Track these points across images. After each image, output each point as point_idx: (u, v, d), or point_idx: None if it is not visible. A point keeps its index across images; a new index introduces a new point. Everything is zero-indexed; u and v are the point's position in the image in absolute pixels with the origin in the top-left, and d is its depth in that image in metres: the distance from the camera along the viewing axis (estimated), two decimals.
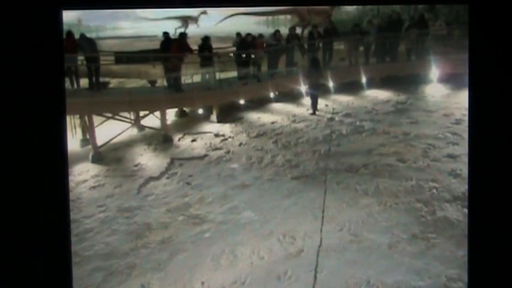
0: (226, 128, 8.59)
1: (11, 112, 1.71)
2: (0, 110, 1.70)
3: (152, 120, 8.66)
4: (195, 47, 9.14)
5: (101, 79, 8.93)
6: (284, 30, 10.53)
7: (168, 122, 8.80)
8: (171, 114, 9.24)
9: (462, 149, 6.83)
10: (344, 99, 9.57)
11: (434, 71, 9.74)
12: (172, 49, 8.83)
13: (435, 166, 6.57)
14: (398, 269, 4.51)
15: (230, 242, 5.19)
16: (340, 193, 6.04)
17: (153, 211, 6.06)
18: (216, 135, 8.33)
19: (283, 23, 13.16)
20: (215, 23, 12.58)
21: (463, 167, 6.24)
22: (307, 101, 9.28)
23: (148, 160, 7.57)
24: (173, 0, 1.93)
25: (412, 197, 5.81)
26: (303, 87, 9.40)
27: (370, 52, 10.38)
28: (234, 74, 9.67)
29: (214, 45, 9.41)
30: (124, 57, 10.26)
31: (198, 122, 8.93)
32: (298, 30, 11.21)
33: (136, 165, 7.40)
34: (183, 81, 9.05)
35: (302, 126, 8.43)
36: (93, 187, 6.80)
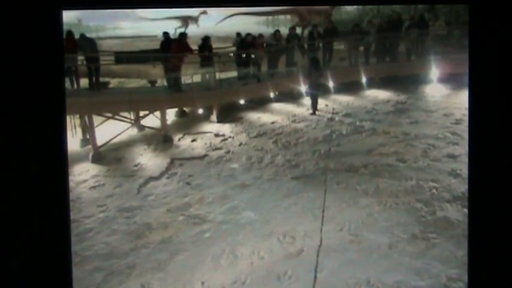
0: (226, 128, 8.59)
1: (11, 112, 1.71)
2: (0, 110, 1.70)
3: (152, 120, 8.66)
4: (195, 47, 9.15)
5: (101, 79, 8.93)
6: (284, 30, 10.53)
7: (168, 122, 8.80)
8: (171, 114, 9.24)
9: (462, 149, 6.83)
10: (344, 99, 9.57)
11: (434, 71, 9.75)
12: (172, 49, 8.84)
13: (435, 166, 6.57)
14: (398, 269, 4.51)
15: (230, 242, 5.19)
16: (340, 193, 6.04)
17: (153, 211, 6.06)
18: (216, 135, 8.33)
19: (283, 23, 13.17)
20: (215, 23, 12.59)
21: (463, 167, 6.24)
22: (307, 101, 9.28)
23: (148, 160, 7.56)
24: (173, 0, 1.93)
25: (412, 197, 5.81)
26: (303, 87, 9.40)
27: (370, 52, 10.39)
28: (234, 74, 9.67)
29: (214, 45, 9.42)
30: (124, 57, 10.27)
31: (198, 122, 8.93)
32: (298, 30, 11.22)
33: (136, 165, 7.40)
34: (183, 81, 9.05)
35: (302, 126, 8.43)
36: (93, 187, 6.80)
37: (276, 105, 9.49)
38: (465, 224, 4.68)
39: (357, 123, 8.35)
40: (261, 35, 9.93)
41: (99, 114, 8.23)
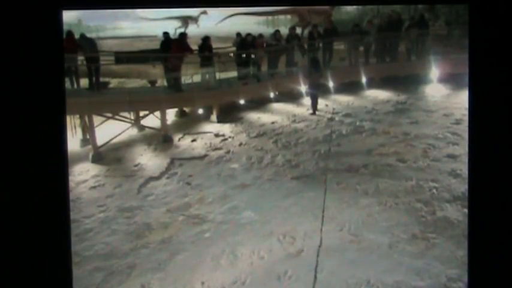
0: (226, 128, 8.59)
1: (11, 112, 1.71)
2: (0, 110, 1.70)
3: (152, 120, 8.66)
4: (195, 47, 9.15)
5: (101, 79, 8.93)
6: (284, 30, 10.54)
7: (168, 122, 8.80)
8: (171, 114, 9.24)
9: (462, 149, 6.83)
10: (344, 99, 9.57)
11: (434, 71, 9.75)
12: (172, 49, 8.84)
13: (435, 166, 6.56)
14: (398, 269, 4.51)
15: (230, 242, 5.18)
16: (340, 193, 6.04)
17: (153, 211, 6.05)
18: (216, 135, 8.33)
19: (283, 23, 13.18)
20: (215, 23, 12.59)
21: (463, 167, 6.24)
22: (307, 101, 9.28)
23: (148, 160, 7.56)
24: (173, 0, 1.93)
25: (412, 197, 5.81)
26: (303, 87, 9.40)
27: (370, 52, 10.39)
28: (234, 74, 9.67)
29: (214, 45, 9.42)
30: (124, 57, 10.27)
31: (198, 122, 8.93)
32: (298, 30, 11.22)
33: (136, 165, 7.40)
34: (183, 81, 9.05)
35: (302, 126, 8.43)
36: (93, 187, 6.80)
37: (276, 105, 9.49)
38: (465, 224, 4.68)
39: (357, 123, 8.35)
40: (261, 35, 9.93)
41: (99, 114, 8.23)
